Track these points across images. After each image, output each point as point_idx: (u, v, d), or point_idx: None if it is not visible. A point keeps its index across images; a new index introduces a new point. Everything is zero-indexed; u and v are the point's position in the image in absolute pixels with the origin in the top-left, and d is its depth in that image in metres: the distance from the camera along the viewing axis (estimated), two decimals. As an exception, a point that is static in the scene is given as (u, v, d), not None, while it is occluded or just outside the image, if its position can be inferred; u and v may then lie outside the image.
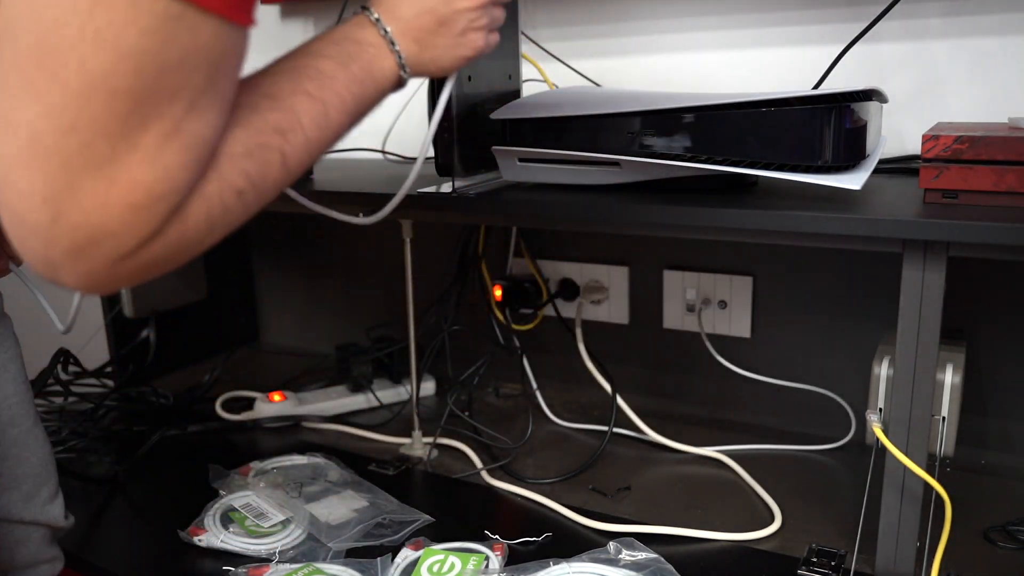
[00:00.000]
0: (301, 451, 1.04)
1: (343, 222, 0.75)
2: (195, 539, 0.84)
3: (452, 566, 0.77)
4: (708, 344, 1.10)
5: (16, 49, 0.39)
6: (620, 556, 0.78)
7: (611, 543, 0.80)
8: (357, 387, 1.20)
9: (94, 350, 1.29)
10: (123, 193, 0.41)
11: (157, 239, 0.43)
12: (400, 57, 0.61)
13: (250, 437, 1.12)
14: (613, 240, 1.16)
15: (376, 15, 0.61)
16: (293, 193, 0.72)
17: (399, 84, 0.62)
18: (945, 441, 0.82)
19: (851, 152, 0.73)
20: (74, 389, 1.16)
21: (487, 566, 0.78)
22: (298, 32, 1.40)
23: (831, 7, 1.01)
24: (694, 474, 0.98)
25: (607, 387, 1.07)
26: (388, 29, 0.60)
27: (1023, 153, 0.67)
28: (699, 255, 1.11)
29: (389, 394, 1.21)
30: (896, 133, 1.00)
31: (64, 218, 0.40)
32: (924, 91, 0.98)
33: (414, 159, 1.22)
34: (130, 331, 1.28)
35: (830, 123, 0.71)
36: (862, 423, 1.04)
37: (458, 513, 0.90)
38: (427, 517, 0.88)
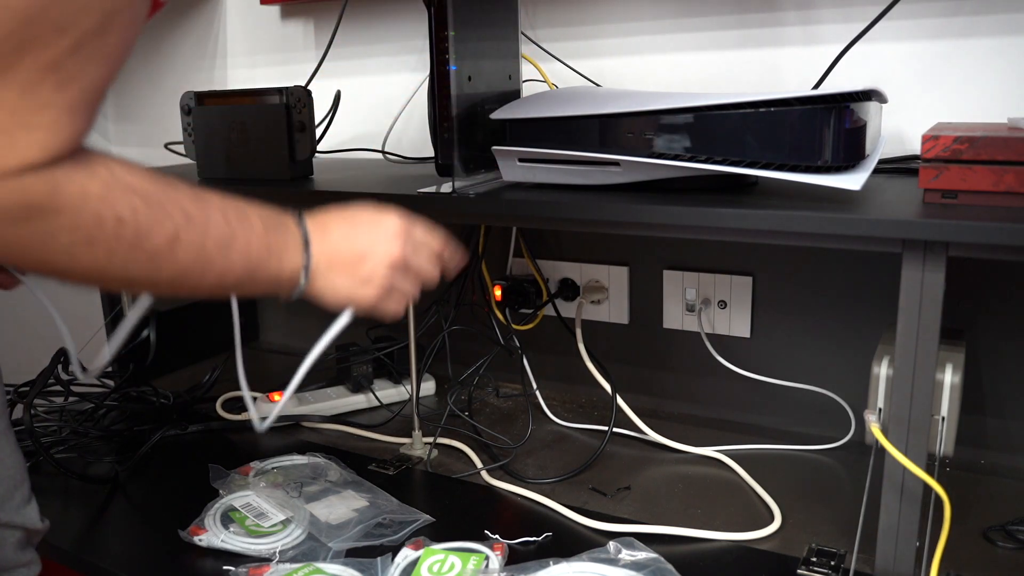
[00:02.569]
0: (301, 451, 1.04)
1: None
2: (195, 539, 0.84)
3: (452, 566, 0.77)
4: (708, 344, 1.10)
5: None
6: (620, 556, 0.78)
7: (611, 543, 0.80)
8: (357, 387, 1.20)
9: (94, 350, 1.29)
10: None
11: (4, 183, 0.39)
12: (308, 263, 0.61)
13: (250, 437, 1.12)
14: (613, 240, 1.16)
15: (305, 225, 0.61)
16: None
17: (293, 285, 0.61)
18: (944, 441, 0.82)
19: (851, 152, 0.73)
20: (74, 389, 1.15)
21: (487, 566, 0.78)
22: (299, 32, 1.40)
23: (831, 7, 1.01)
24: (694, 474, 0.98)
25: (607, 387, 1.07)
26: (309, 238, 0.61)
27: (1022, 153, 0.67)
28: (699, 255, 1.11)
29: (389, 394, 1.21)
30: (896, 133, 1.00)
31: None
32: (924, 91, 0.98)
33: (414, 159, 1.23)
34: (130, 331, 1.28)
35: (830, 123, 0.71)
36: (862, 423, 1.04)
37: (458, 513, 0.90)
38: (427, 517, 0.88)
